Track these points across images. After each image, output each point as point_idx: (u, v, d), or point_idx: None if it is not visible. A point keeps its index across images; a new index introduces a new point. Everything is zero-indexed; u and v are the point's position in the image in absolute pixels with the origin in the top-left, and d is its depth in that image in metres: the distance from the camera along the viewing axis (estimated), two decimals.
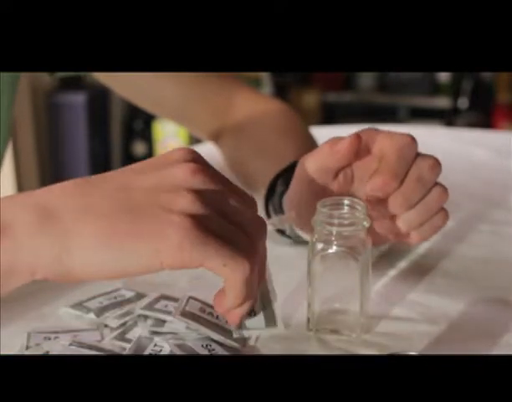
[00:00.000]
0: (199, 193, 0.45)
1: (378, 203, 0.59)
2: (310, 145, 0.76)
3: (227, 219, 0.46)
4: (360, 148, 0.59)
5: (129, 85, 0.85)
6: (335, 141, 0.59)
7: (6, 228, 0.44)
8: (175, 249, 0.43)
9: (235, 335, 0.53)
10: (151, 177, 0.46)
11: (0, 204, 0.45)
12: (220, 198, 0.46)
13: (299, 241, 0.69)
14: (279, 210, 0.68)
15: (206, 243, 0.44)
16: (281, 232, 0.71)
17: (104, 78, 0.83)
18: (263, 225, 0.49)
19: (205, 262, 0.44)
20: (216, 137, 0.85)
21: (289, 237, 0.71)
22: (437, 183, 0.59)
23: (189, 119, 0.87)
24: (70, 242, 0.44)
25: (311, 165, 0.61)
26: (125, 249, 0.44)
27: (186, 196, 0.44)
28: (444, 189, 0.59)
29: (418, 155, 0.59)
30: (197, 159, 0.47)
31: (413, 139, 0.58)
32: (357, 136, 0.59)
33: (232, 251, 0.45)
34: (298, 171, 0.63)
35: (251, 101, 0.84)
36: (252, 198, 0.49)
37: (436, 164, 0.59)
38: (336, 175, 0.61)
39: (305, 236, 0.66)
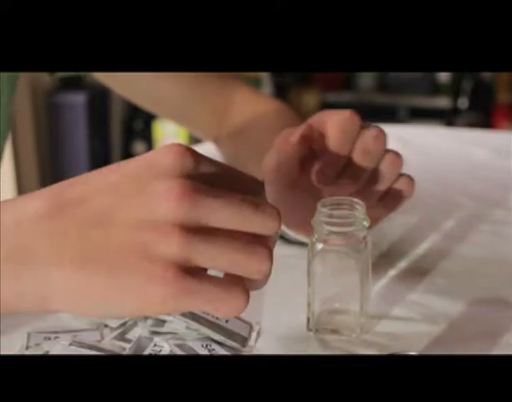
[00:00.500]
0: (187, 231, 0.39)
1: (333, 186, 0.58)
2: None
3: (222, 242, 0.40)
4: (313, 135, 0.59)
5: (129, 85, 0.85)
6: (288, 133, 0.60)
7: None
8: (157, 304, 0.39)
9: None
10: (133, 204, 0.39)
11: None
12: (214, 219, 0.40)
13: (293, 242, 0.69)
14: None
15: (191, 292, 0.39)
16: None
17: (104, 78, 0.83)
18: (270, 228, 0.41)
19: (192, 309, 0.41)
20: (215, 137, 0.85)
21: (281, 237, 0.71)
22: (388, 151, 0.59)
23: (189, 119, 0.87)
24: (50, 292, 0.40)
25: (271, 163, 0.61)
26: (105, 304, 0.40)
27: (171, 239, 0.38)
28: (396, 155, 0.59)
29: (362, 128, 0.59)
30: (188, 169, 0.40)
31: (354, 113, 0.59)
32: (308, 124, 0.59)
33: (222, 293, 0.40)
34: (263, 171, 0.62)
35: (250, 101, 0.84)
36: (257, 185, 0.43)
37: (379, 133, 0.59)
38: (302, 165, 0.60)
39: (297, 236, 0.66)
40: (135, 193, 0.39)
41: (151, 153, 0.41)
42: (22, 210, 0.41)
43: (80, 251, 0.39)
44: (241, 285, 0.41)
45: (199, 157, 0.41)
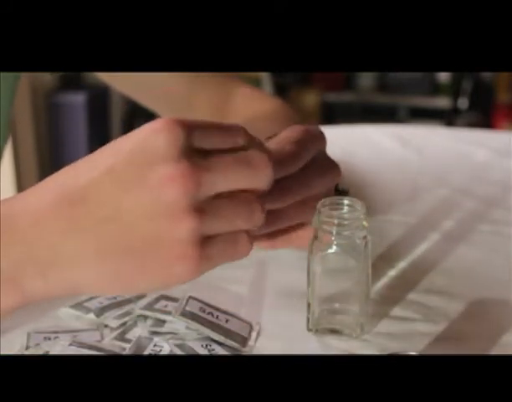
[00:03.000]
0: (197, 211, 0.42)
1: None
2: None
3: (226, 211, 0.44)
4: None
5: (130, 82, 0.85)
6: None
7: (10, 279, 0.43)
8: (183, 278, 0.43)
9: None
10: (138, 194, 0.41)
11: None
12: (216, 189, 0.43)
13: None
14: None
15: (212, 260, 0.43)
16: None
17: (105, 76, 0.84)
18: (263, 180, 0.45)
19: (216, 266, 0.45)
20: None
21: None
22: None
23: (190, 116, 0.87)
24: (78, 283, 0.43)
25: None
26: (134, 286, 0.44)
27: (185, 223, 0.41)
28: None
29: None
30: (181, 144, 0.42)
31: None
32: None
33: (234, 249, 0.44)
34: None
35: (252, 100, 0.84)
36: (242, 133, 0.45)
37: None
38: None
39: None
40: (136, 182, 0.41)
41: (141, 135, 0.43)
42: (34, 207, 0.43)
43: (102, 244, 0.42)
44: (241, 233, 0.45)
45: (188, 128, 0.43)
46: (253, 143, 0.46)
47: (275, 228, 0.55)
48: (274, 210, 0.53)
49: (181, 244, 0.41)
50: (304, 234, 0.57)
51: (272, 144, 0.53)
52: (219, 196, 0.43)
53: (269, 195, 0.50)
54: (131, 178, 0.42)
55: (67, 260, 0.42)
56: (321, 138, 0.57)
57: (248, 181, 0.45)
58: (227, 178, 0.43)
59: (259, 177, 0.45)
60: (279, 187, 0.52)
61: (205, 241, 0.42)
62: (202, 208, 0.42)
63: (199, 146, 0.43)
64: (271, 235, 0.57)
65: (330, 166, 0.57)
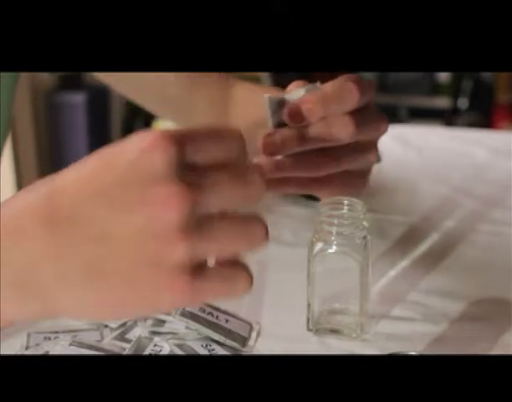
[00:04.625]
0: (189, 234, 0.39)
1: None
2: None
3: (220, 231, 0.41)
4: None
5: (128, 83, 0.85)
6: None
7: None
8: (168, 307, 0.42)
9: None
10: (130, 216, 0.39)
11: None
12: (209, 207, 0.40)
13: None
14: None
15: (199, 293, 0.40)
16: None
17: (104, 76, 0.84)
18: (257, 199, 0.42)
19: (202, 304, 0.44)
20: None
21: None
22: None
23: (190, 116, 0.87)
24: (59, 307, 0.41)
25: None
26: (119, 314, 0.43)
27: (176, 247, 0.38)
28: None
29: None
30: (176, 161, 0.39)
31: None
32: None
33: (228, 282, 0.41)
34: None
35: (252, 94, 0.84)
36: (237, 140, 0.42)
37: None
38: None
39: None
40: (129, 204, 0.39)
41: (133, 154, 0.39)
42: (17, 224, 0.40)
43: (86, 270, 0.39)
44: (241, 267, 0.41)
45: (180, 143, 0.40)
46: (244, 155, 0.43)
47: (321, 173, 0.56)
48: (320, 155, 0.56)
49: (171, 272, 0.39)
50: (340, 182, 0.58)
51: (333, 81, 0.58)
52: (212, 216, 0.40)
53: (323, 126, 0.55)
54: (124, 200, 0.39)
55: (50, 286, 0.39)
56: (373, 89, 0.60)
57: (242, 199, 0.41)
58: (221, 197, 0.40)
59: (252, 194, 0.42)
60: (337, 119, 0.56)
61: (198, 272, 0.39)
62: (197, 228, 0.39)
63: (192, 161, 0.40)
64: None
65: (380, 116, 0.60)
